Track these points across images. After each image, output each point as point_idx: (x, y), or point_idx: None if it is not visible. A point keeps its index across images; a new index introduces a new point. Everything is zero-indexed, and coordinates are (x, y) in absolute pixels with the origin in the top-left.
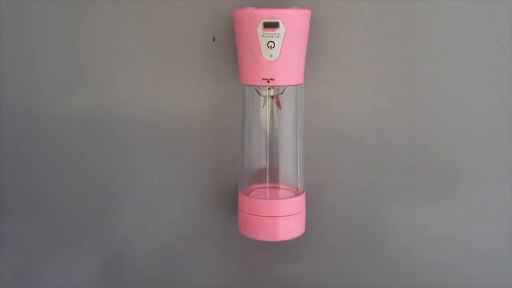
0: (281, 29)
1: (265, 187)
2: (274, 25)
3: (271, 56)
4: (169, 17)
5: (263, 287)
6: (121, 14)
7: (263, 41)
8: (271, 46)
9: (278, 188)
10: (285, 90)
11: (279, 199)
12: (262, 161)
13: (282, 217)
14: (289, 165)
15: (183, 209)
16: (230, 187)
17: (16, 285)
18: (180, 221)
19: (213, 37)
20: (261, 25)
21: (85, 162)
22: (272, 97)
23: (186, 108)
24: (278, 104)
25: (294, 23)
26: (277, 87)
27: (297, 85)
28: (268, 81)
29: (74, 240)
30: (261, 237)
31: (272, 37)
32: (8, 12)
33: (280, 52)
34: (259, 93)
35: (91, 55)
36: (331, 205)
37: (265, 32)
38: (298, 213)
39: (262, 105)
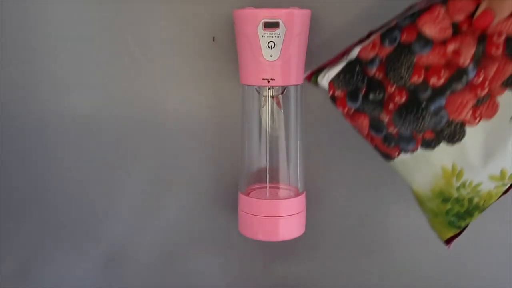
0: (281, 29)
1: (265, 187)
2: (275, 25)
3: (271, 56)
4: (169, 17)
5: (263, 287)
6: (121, 14)
7: (263, 41)
8: (271, 46)
9: (278, 188)
10: (285, 90)
11: (279, 199)
12: (262, 161)
13: (282, 217)
14: (289, 165)
15: (183, 209)
16: (230, 187)
17: (16, 285)
18: (180, 221)
19: (213, 37)
20: (261, 25)
21: (85, 162)
22: (272, 97)
23: (186, 108)
24: (278, 104)
25: (294, 23)
26: (277, 87)
27: (297, 85)
28: (269, 81)
29: (73, 240)
30: (261, 237)
31: (273, 37)
32: (8, 12)
33: (281, 52)
34: (259, 93)
35: (91, 55)
36: (331, 205)
37: (265, 32)
38: (298, 213)
39: (262, 105)
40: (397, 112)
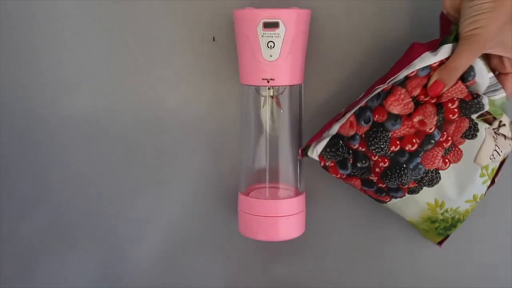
0: (281, 29)
1: (265, 187)
2: (274, 25)
3: (271, 56)
4: (169, 17)
5: (263, 287)
6: (121, 14)
7: (263, 41)
8: (271, 46)
9: (278, 188)
10: (285, 90)
11: (279, 199)
12: (262, 161)
13: (282, 217)
14: (289, 165)
15: (183, 209)
16: (230, 187)
17: (16, 285)
18: (180, 221)
19: (213, 37)
20: (261, 25)
21: (84, 162)
22: (272, 97)
23: (186, 108)
24: (278, 104)
25: (294, 23)
26: (277, 87)
27: (297, 85)
28: (268, 81)
29: (74, 240)
30: (261, 237)
31: (272, 37)
32: (9, 12)
33: (280, 52)
34: (259, 93)
35: (91, 55)
36: (331, 205)
37: (265, 32)
38: (298, 213)
39: (262, 105)
40: (383, 174)
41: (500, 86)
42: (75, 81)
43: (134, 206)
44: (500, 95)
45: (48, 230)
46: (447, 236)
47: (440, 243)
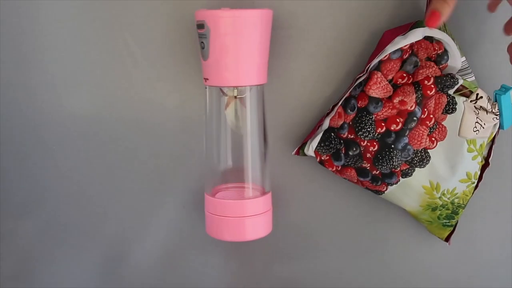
0: (206, 30)
1: (231, 188)
2: (201, 26)
3: (203, 56)
4: (169, 17)
5: (263, 287)
6: (121, 14)
7: (198, 42)
8: (202, 46)
9: (244, 188)
10: (251, 90)
11: (245, 199)
12: (228, 161)
13: (248, 217)
14: (255, 165)
15: (183, 209)
16: None
17: (16, 285)
18: (179, 220)
19: None
20: (196, 26)
21: (83, 162)
22: (236, 97)
23: (185, 108)
24: (227, 105)
25: (218, 24)
26: (241, 88)
27: (258, 85)
28: (206, 81)
29: (73, 240)
30: (228, 237)
31: (202, 37)
32: (8, 12)
33: (209, 52)
34: (223, 92)
35: (91, 55)
36: (331, 204)
37: (198, 32)
38: (264, 212)
39: (225, 105)
40: (374, 158)
41: (471, 70)
42: (74, 81)
43: (133, 206)
44: (471, 79)
45: (48, 230)
46: (453, 230)
47: (447, 239)
